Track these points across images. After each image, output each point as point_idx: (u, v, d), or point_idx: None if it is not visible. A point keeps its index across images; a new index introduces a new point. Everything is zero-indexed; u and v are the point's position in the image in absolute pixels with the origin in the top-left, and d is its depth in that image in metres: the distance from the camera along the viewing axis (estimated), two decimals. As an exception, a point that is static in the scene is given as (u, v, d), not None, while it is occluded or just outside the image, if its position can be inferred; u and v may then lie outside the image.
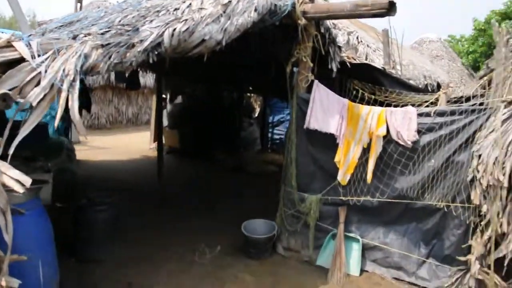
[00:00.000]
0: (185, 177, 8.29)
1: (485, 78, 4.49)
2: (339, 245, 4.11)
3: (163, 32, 2.95)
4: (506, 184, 3.38)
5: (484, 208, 3.52)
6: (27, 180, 2.14)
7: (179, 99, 11.24)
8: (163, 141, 7.47)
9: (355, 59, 5.10)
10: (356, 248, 4.18)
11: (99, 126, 14.65)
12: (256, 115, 12.87)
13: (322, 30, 4.32)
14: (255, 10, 3.46)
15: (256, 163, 9.13)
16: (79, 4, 8.73)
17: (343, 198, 4.14)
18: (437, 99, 4.23)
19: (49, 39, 2.80)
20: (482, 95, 4.01)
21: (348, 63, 4.59)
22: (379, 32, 7.39)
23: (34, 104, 2.30)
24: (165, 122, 10.34)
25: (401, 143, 3.82)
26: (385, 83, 4.74)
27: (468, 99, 4.12)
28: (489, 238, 3.50)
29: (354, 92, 4.48)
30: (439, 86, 7.21)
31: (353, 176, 4.06)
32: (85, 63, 2.59)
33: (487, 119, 3.61)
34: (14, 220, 2.16)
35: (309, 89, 4.18)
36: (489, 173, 3.46)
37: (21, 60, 2.46)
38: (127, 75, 8.93)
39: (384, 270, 4.15)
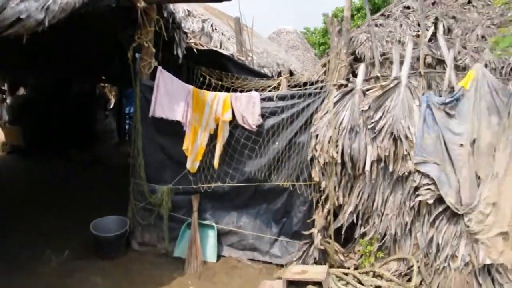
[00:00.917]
0: (31, 178, 7.38)
1: (325, 65, 4.89)
2: (194, 234, 4.05)
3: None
4: (339, 160, 3.73)
5: (323, 184, 3.85)
6: None
7: (22, 91, 9.98)
8: (3, 139, 6.50)
9: (203, 46, 5.03)
10: (211, 235, 4.16)
11: None
12: (112, 106, 12.27)
13: (165, 15, 4.15)
14: (83, -12, 3.09)
15: (113, 156, 8.74)
16: None
17: (195, 186, 4.08)
18: (279, 84, 4.42)
19: None
20: (322, 81, 4.33)
21: (195, 49, 4.49)
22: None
23: None
24: (5, 117, 9.17)
25: (247, 127, 3.90)
26: (233, 69, 4.81)
27: (311, 84, 4.40)
28: (329, 211, 3.84)
29: (202, 79, 4.43)
30: (291, 74, 7.63)
31: (202, 163, 4.02)
32: None
33: (321, 102, 3.90)
34: None
35: (153, 76, 3.98)
36: (325, 151, 3.77)
37: None
38: None
39: (240, 253, 4.23)
